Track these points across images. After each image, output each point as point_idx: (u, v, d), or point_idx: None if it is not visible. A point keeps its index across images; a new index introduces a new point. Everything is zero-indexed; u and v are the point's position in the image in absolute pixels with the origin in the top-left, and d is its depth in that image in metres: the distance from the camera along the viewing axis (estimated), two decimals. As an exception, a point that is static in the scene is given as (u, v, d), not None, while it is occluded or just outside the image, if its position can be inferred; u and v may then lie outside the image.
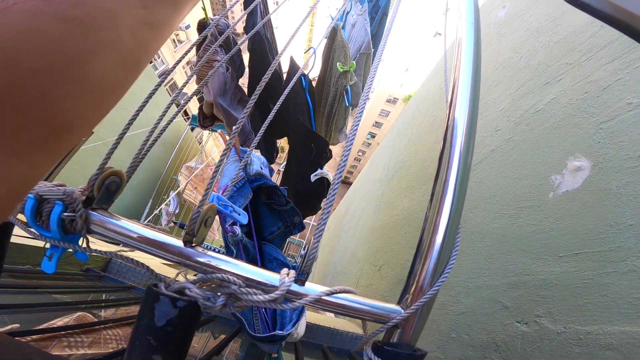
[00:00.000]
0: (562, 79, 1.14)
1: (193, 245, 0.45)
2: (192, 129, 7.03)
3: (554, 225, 0.93)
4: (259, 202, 1.24)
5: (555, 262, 0.89)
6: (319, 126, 2.03)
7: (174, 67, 0.86)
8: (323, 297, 0.43)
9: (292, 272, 0.44)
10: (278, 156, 2.54)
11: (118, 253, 0.52)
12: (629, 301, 0.71)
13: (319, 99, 2.02)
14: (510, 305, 1.01)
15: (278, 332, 0.93)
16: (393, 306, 0.46)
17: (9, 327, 0.97)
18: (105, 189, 0.48)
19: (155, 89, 0.69)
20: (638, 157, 0.76)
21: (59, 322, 1.10)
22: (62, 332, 1.04)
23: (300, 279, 0.44)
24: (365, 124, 24.90)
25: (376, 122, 24.66)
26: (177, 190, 5.54)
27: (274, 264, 0.90)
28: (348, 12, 2.08)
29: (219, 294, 0.42)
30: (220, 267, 0.43)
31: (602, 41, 1.01)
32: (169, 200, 5.23)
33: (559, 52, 1.20)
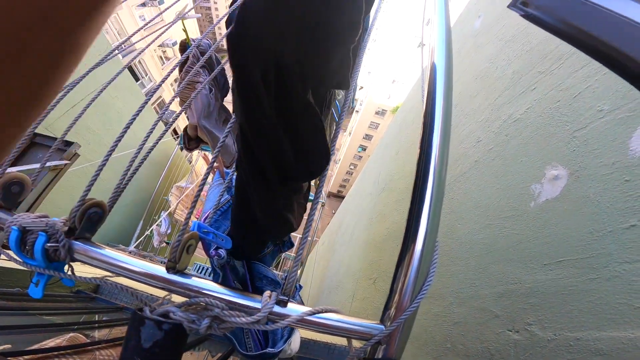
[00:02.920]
0: (535, 87, 1.17)
1: (176, 271, 0.46)
2: (182, 149, 7.02)
3: (537, 234, 0.95)
4: None
5: (540, 270, 0.91)
6: None
7: (158, 86, 0.87)
8: (305, 317, 0.43)
9: (274, 295, 0.45)
10: None
11: (104, 278, 0.52)
12: (614, 306, 0.72)
13: None
14: (501, 314, 1.02)
15: (269, 350, 0.92)
16: (375, 324, 0.47)
17: (1, 347, 0.96)
18: (87, 219, 0.50)
19: (140, 110, 0.70)
20: (612, 164, 0.79)
21: (51, 343, 1.09)
22: (55, 353, 1.02)
23: (283, 300, 0.45)
24: (355, 137, 25.14)
25: (366, 135, 24.92)
26: (169, 211, 5.49)
27: (264, 282, 0.90)
28: None
29: (203, 316, 0.43)
30: (203, 291, 0.44)
31: (570, 48, 1.04)
32: (160, 221, 5.19)
33: (532, 61, 1.23)
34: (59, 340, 1.10)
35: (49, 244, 0.45)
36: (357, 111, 27.59)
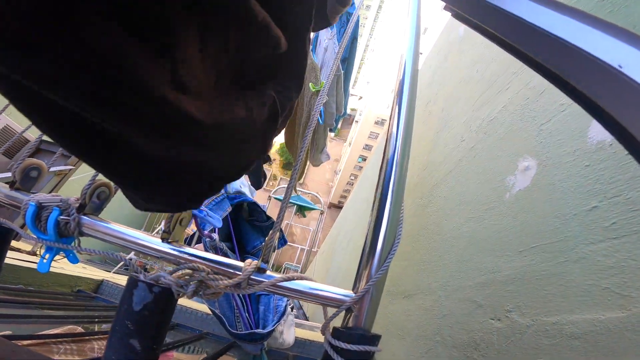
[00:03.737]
0: (509, 87, 1.25)
1: (169, 241, 0.53)
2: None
3: (512, 222, 1.01)
4: (241, 220, 1.33)
5: (516, 257, 0.96)
6: (294, 146, 2.12)
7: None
8: (280, 283, 0.49)
9: (255, 263, 0.51)
10: (266, 181, 2.61)
11: (105, 252, 0.59)
12: (584, 288, 0.75)
13: (292, 119, 2.12)
14: (483, 303, 1.06)
15: (257, 330, 0.97)
16: (346, 291, 0.52)
17: (2, 332, 1.02)
18: (96, 197, 0.57)
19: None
20: (574, 152, 0.85)
21: (50, 332, 1.14)
22: (53, 340, 1.07)
23: (262, 269, 0.51)
24: (355, 147, 25.17)
25: (366, 145, 24.98)
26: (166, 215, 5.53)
27: (256, 274, 0.96)
28: (317, 36, 2.20)
29: (191, 282, 0.49)
30: (190, 258, 0.51)
31: None
32: (160, 228, 5.22)
33: (506, 62, 1.30)
34: (57, 331, 1.15)
35: (61, 217, 0.52)
36: (356, 121, 27.70)
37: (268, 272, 0.51)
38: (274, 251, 0.52)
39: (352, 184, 27.19)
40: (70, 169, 2.11)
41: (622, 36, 0.28)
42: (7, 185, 0.63)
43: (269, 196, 6.09)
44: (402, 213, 0.55)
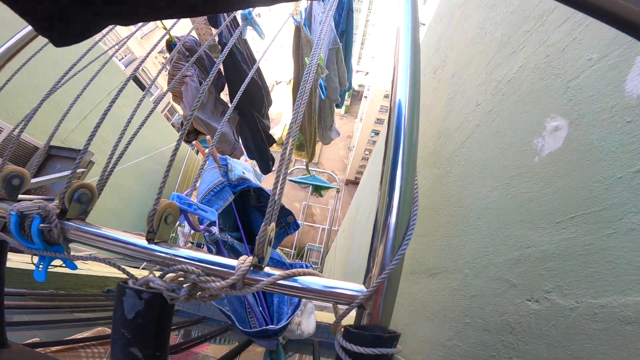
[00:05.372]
0: (524, 46, 1.15)
1: (156, 242, 0.48)
2: (197, 153, 7.18)
3: (545, 189, 0.90)
4: (249, 206, 1.28)
5: (553, 230, 0.85)
6: (302, 126, 2.06)
7: (151, 84, 0.89)
8: (280, 281, 0.43)
9: (249, 259, 0.45)
10: (274, 165, 2.58)
11: (94, 255, 0.54)
12: (638, 266, 0.64)
13: (296, 92, 2.08)
14: (517, 282, 0.96)
15: (270, 327, 0.93)
16: (357, 286, 0.45)
17: (30, 340, 1.03)
18: (77, 200, 0.52)
19: (148, 116, 0.73)
20: (611, 108, 0.75)
21: (78, 336, 1.15)
22: (80, 345, 1.08)
23: (259, 265, 0.45)
24: (367, 122, 24.83)
25: (377, 119, 24.57)
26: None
27: (269, 264, 0.92)
28: (307, 10, 2.15)
29: (183, 285, 0.44)
30: (178, 259, 0.45)
31: (550, 5, 1.02)
32: (183, 223, 5.33)
33: (517, 22, 1.21)
34: (86, 334, 1.16)
35: (42, 225, 0.48)
36: (365, 97, 27.20)
37: (266, 269, 0.45)
38: (270, 245, 0.46)
39: (367, 159, 26.98)
40: (83, 172, 2.13)
41: None
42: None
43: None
44: (416, 190, 0.48)
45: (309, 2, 2.07)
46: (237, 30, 1.03)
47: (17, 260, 1.58)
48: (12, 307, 1.36)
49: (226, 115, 0.68)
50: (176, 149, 0.57)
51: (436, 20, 2.55)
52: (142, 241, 0.48)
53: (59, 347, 1.06)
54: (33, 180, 0.65)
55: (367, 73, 32.04)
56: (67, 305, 1.68)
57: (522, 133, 1.04)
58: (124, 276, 0.52)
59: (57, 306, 1.61)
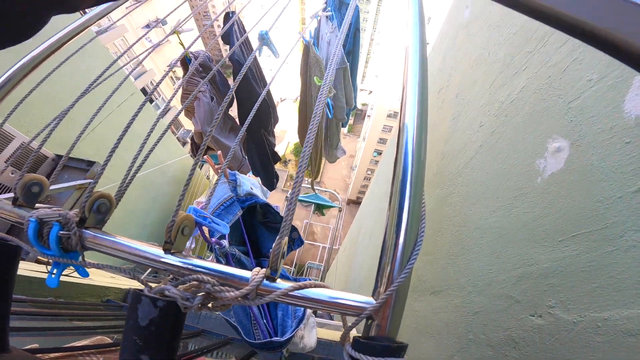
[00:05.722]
0: (526, 67, 1.17)
1: (172, 252, 0.49)
2: (201, 166, 7.25)
3: (548, 209, 0.92)
4: (255, 222, 1.32)
5: (556, 248, 0.87)
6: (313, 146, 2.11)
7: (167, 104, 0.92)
8: (292, 292, 0.45)
9: (263, 271, 0.47)
10: (278, 182, 2.61)
11: (111, 266, 0.56)
12: (639, 280, 0.67)
13: (303, 111, 2.10)
14: (521, 298, 0.98)
15: (275, 338, 0.94)
16: (366, 298, 0.47)
17: (29, 346, 1.03)
18: (96, 210, 0.55)
19: (164, 134, 0.76)
20: (610, 129, 0.77)
21: (78, 344, 1.15)
22: (79, 352, 1.08)
23: (272, 277, 0.47)
24: (370, 142, 24.99)
25: (380, 139, 24.74)
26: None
27: (274, 278, 0.94)
28: (318, 30, 2.19)
29: (196, 293, 0.45)
30: (195, 269, 0.47)
31: (549, 27, 1.05)
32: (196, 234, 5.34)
33: (519, 43, 1.24)
34: (86, 342, 1.16)
35: (61, 232, 0.50)
36: (368, 116, 27.44)
37: (278, 281, 0.46)
38: (283, 258, 0.47)
39: (369, 179, 26.99)
40: (90, 183, 2.17)
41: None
42: (10, 202, 0.62)
43: (286, 197, 6.11)
44: (423, 207, 0.50)
45: (318, 20, 2.13)
46: (254, 51, 1.07)
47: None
48: (12, 313, 1.37)
49: (239, 135, 0.71)
50: (193, 168, 0.60)
51: (440, 39, 2.59)
52: (159, 251, 0.50)
53: (58, 354, 1.06)
54: (51, 188, 0.68)
55: (370, 92, 32.34)
56: (66, 313, 1.68)
57: (525, 154, 1.06)
58: (124, 287, 0.53)
59: (56, 314, 1.61)
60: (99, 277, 2.45)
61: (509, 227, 1.07)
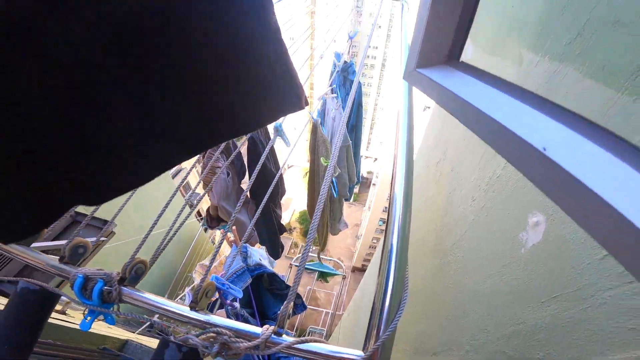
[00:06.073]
0: None
1: (197, 309, 0.60)
2: (206, 230, 7.37)
3: (532, 275, 1.01)
4: (261, 288, 1.45)
5: (540, 308, 0.96)
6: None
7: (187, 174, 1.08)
8: (295, 345, 0.54)
9: (272, 327, 0.56)
10: (284, 251, 2.68)
11: (135, 315, 0.65)
12: (611, 330, 0.75)
13: (312, 187, 2.21)
14: (513, 354, 1.04)
15: None
16: (356, 352, 0.56)
17: None
18: (134, 272, 0.66)
19: (172, 196, 0.90)
20: (576, 205, 0.89)
21: None
22: None
23: (279, 333, 0.56)
24: (375, 211, 24.95)
25: (386, 208, 24.52)
26: (192, 286, 5.61)
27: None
28: (324, 106, 2.36)
29: (214, 343, 0.54)
30: (216, 324, 0.57)
31: None
32: (184, 295, 5.26)
33: None
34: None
35: (105, 288, 0.61)
36: (374, 184, 27.76)
37: (284, 336, 0.56)
38: (289, 318, 0.57)
39: (375, 247, 26.48)
40: (103, 240, 2.27)
41: (550, 116, 0.35)
42: (57, 259, 0.73)
43: (290, 264, 6.09)
44: (407, 275, 0.60)
45: (324, 101, 2.31)
46: (269, 144, 1.26)
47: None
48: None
49: (255, 216, 0.86)
50: (218, 246, 0.72)
51: (436, 112, 2.72)
52: (186, 308, 0.61)
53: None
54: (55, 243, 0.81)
55: (375, 159, 32.38)
56: (63, 355, 1.69)
57: (511, 228, 1.17)
58: (122, 337, 0.63)
59: (54, 354, 1.64)
60: (99, 327, 2.45)
61: (501, 291, 1.15)
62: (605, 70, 0.78)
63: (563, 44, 0.91)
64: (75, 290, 0.64)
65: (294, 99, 0.64)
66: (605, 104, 0.75)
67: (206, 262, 6.18)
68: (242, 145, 1.42)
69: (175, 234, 0.83)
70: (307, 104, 0.68)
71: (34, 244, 0.77)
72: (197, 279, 5.75)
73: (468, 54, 1.59)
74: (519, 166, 0.35)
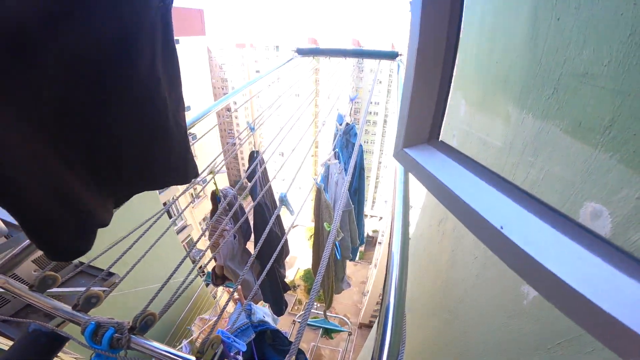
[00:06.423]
0: None
1: None
2: (207, 285, 7.22)
3: (535, 325, 1.01)
4: (264, 344, 1.45)
5: (546, 354, 0.95)
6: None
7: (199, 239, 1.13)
8: None
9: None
10: (287, 308, 2.64)
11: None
12: None
13: (316, 249, 2.23)
14: None
15: None
16: None
17: None
18: (144, 322, 0.70)
19: (181, 262, 0.96)
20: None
21: None
22: None
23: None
24: (381, 268, 24.37)
25: (393, 265, 24.19)
26: (190, 339, 5.35)
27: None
28: (327, 171, 2.43)
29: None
30: None
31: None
32: (181, 347, 4.99)
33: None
34: None
35: (116, 335, 0.64)
36: (379, 243, 27.37)
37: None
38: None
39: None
40: (105, 290, 2.25)
41: (510, 196, 0.41)
42: (70, 307, 0.77)
43: (294, 320, 5.84)
44: (404, 332, 0.63)
45: (327, 167, 2.38)
46: (274, 213, 1.34)
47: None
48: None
49: (260, 277, 0.93)
50: (225, 305, 0.76)
51: None
52: (192, 358, 0.63)
53: None
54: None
55: (380, 218, 32.12)
56: None
57: (512, 282, 1.17)
58: None
59: None
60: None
61: (507, 341, 1.14)
62: (582, 127, 0.78)
63: (543, 101, 0.90)
64: (86, 335, 0.67)
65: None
66: (585, 161, 0.75)
67: (206, 315, 5.98)
68: (249, 211, 1.51)
69: (185, 289, 0.89)
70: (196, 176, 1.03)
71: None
72: (195, 331, 5.54)
73: (460, 112, 1.69)
74: (484, 241, 0.40)
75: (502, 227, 0.36)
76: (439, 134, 0.66)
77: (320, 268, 0.71)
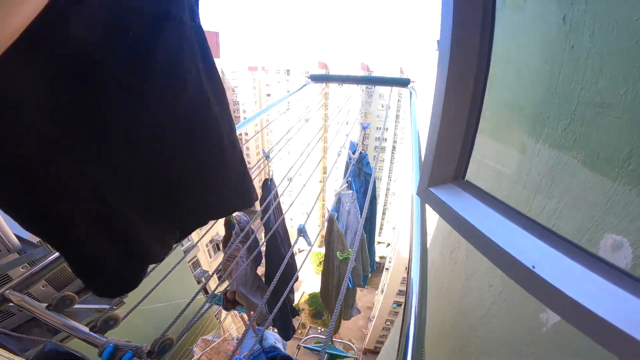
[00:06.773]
0: None
1: None
2: (210, 306, 7.12)
3: (555, 350, 1.00)
4: None
5: None
6: (329, 299, 2.18)
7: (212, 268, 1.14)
8: None
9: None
10: (294, 333, 2.61)
11: None
12: None
13: (326, 276, 2.22)
14: None
15: None
16: None
17: None
18: (162, 346, 0.70)
19: (198, 292, 0.98)
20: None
21: None
22: None
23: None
24: (388, 294, 23.91)
25: (400, 291, 23.68)
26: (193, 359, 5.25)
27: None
28: (340, 200, 2.43)
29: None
30: None
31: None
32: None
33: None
34: None
35: (134, 359, 0.64)
36: (387, 269, 26.94)
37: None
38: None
39: (389, 329, 24.57)
40: (110, 308, 2.24)
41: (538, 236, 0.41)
42: (88, 328, 0.77)
43: (298, 345, 5.68)
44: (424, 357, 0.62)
45: (339, 198, 2.38)
46: (292, 245, 1.35)
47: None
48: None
49: (276, 307, 0.94)
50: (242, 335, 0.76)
51: None
52: None
53: None
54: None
55: (388, 244, 31.75)
56: None
57: (530, 309, 1.15)
58: None
59: None
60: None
61: None
62: (600, 159, 0.75)
63: (559, 132, 0.88)
64: (104, 357, 0.67)
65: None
66: (605, 194, 0.72)
67: (209, 337, 5.86)
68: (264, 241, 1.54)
69: (203, 314, 0.90)
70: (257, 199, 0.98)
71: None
72: (197, 352, 5.42)
73: (476, 143, 1.70)
74: (516, 279, 0.41)
75: (534, 267, 0.37)
76: (465, 174, 0.66)
77: (340, 297, 0.71)
